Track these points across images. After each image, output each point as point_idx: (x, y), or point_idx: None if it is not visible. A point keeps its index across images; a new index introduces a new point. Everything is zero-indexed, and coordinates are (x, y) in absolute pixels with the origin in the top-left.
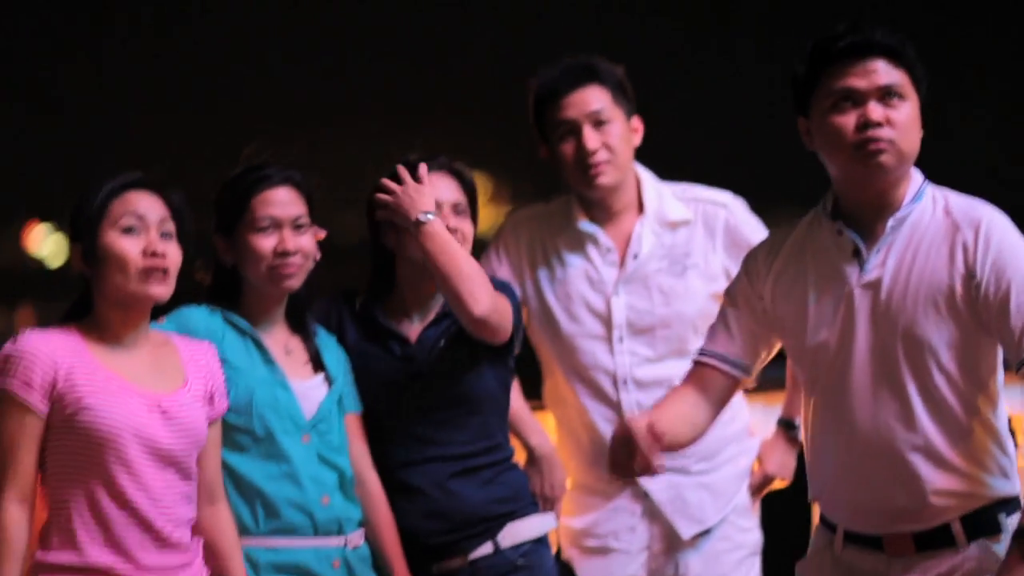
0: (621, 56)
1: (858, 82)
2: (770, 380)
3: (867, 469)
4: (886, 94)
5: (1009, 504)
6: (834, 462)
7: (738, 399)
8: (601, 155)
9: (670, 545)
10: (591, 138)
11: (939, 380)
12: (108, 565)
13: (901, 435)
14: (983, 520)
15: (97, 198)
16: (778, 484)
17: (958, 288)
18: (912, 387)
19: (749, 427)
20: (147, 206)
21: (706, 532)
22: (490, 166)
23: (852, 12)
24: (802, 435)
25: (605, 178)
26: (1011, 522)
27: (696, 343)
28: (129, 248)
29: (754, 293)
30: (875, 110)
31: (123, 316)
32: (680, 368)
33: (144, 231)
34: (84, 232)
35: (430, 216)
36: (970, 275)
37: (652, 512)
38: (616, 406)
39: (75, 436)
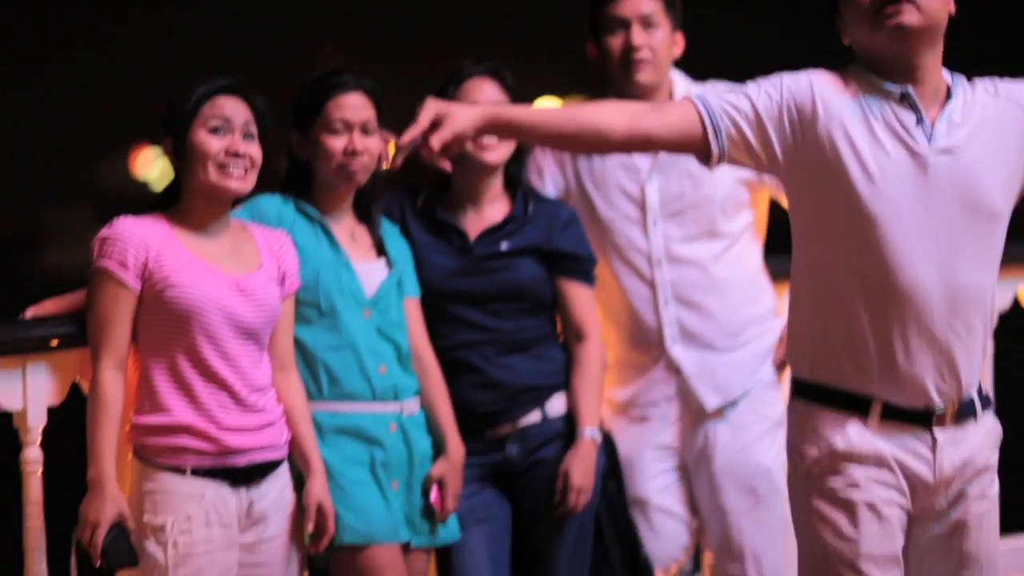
0: None
1: None
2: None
3: (931, 336)
4: None
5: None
6: (886, 333)
7: (765, 281)
8: (644, 53)
9: (700, 415)
10: (638, 35)
11: (998, 249)
12: (191, 423)
13: (971, 301)
14: (982, 391)
15: (191, 99)
16: None
17: (1018, 158)
18: (981, 255)
19: (775, 308)
20: (233, 109)
21: (732, 404)
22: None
23: None
24: (813, 312)
25: (644, 75)
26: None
27: (724, 225)
28: (214, 145)
29: (810, 114)
30: None
31: (206, 206)
32: (710, 248)
33: (229, 132)
34: (176, 129)
35: None
36: None
37: (682, 385)
38: (651, 284)
39: (163, 311)
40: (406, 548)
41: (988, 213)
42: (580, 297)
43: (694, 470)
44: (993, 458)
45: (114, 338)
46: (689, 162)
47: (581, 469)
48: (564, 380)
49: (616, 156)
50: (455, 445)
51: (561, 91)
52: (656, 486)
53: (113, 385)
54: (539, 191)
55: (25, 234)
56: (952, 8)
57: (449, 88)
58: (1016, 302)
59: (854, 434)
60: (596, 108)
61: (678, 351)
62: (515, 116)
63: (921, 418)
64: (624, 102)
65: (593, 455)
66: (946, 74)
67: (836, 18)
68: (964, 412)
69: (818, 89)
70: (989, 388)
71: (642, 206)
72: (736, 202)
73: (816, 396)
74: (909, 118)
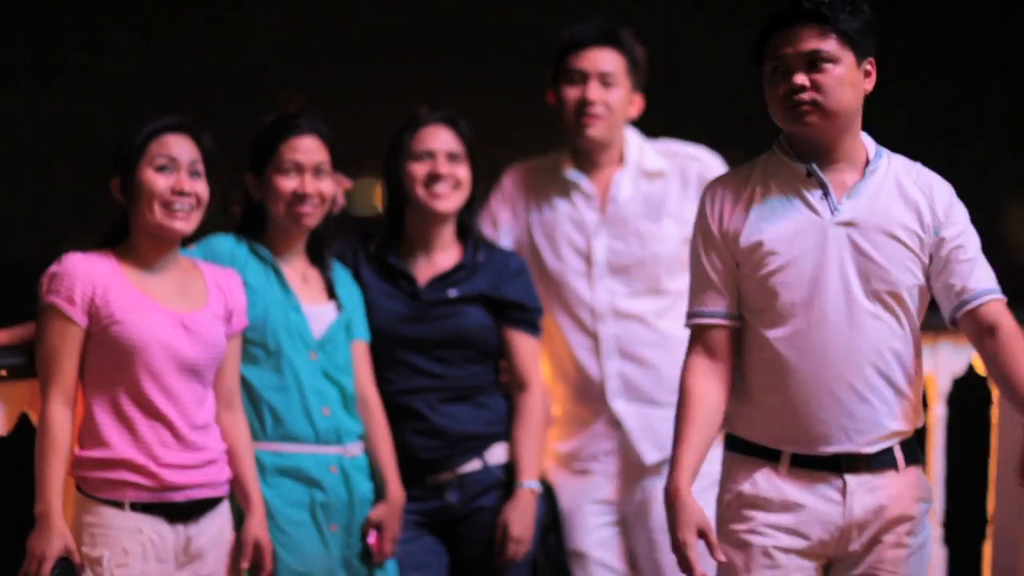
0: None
1: (788, 50)
2: None
3: (835, 392)
4: (813, 60)
5: (915, 439)
6: (795, 390)
7: None
8: (598, 108)
9: (640, 470)
10: (595, 90)
11: (899, 314)
12: (131, 458)
13: (870, 361)
14: (912, 448)
15: (138, 138)
16: None
17: (921, 235)
18: (880, 319)
19: None
20: (179, 148)
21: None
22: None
23: None
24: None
25: (595, 131)
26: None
27: (668, 282)
28: (160, 183)
29: (718, 236)
30: (800, 76)
31: (153, 244)
32: (655, 304)
33: (175, 170)
34: (125, 167)
35: None
36: (932, 226)
37: (623, 440)
38: (595, 337)
39: (108, 347)
40: None
41: (888, 283)
42: (525, 347)
43: (633, 525)
44: (914, 509)
45: (62, 373)
46: (637, 220)
47: (520, 520)
48: (506, 429)
49: (566, 209)
50: (395, 490)
51: (518, 138)
52: (595, 540)
53: (61, 420)
54: (493, 240)
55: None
56: (870, 86)
57: (404, 134)
58: (971, 367)
59: (762, 480)
60: None
61: (620, 405)
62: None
63: (831, 465)
64: None
65: (532, 506)
66: (870, 146)
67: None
68: (881, 462)
69: (712, 211)
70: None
71: (588, 260)
72: (682, 261)
73: (732, 446)
74: (815, 192)
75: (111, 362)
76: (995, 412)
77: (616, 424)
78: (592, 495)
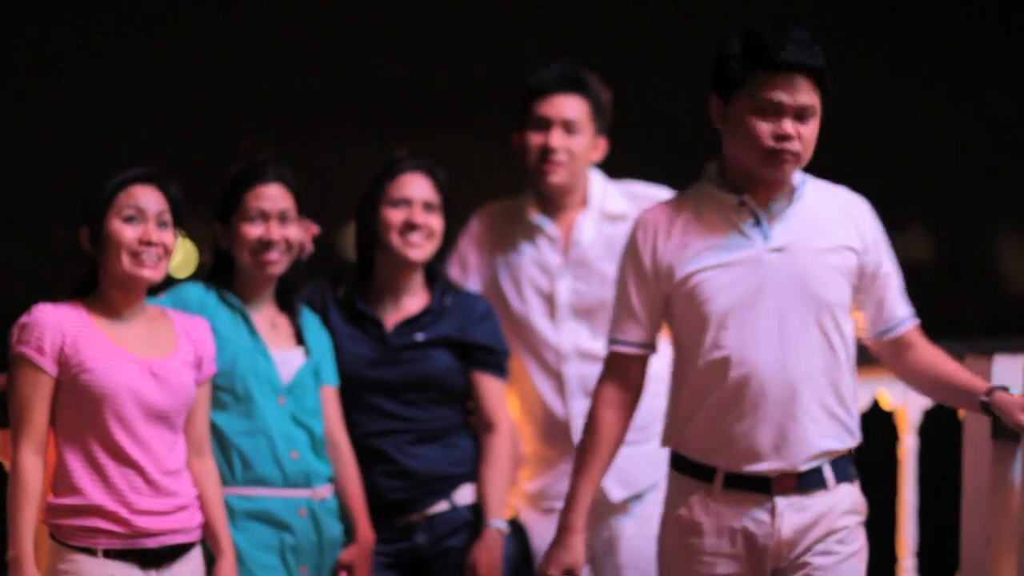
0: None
1: (784, 98)
2: None
3: (768, 412)
4: (801, 113)
5: (852, 457)
6: (729, 410)
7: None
8: (560, 156)
9: (607, 508)
10: (557, 137)
11: (832, 335)
12: (103, 505)
13: (802, 381)
14: (843, 466)
15: (106, 189)
16: None
17: (850, 257)
18: (812, 340)
19: None
20: (147, 199)
21: (638, 497)
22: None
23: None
24: (672, 394)
25: (556, 177)
26: (854, 470)
27: None
28: (128, 233)
29: (650, 267)
30: (788, 125)
31: (121, 293)
32: None
33: (143, 221)
34: (93, 218)
35: None
36: (860, 249)
37: None
38: (559, 377)
39: (78, 394)
40: None
41: (820, 303)
42: (492, 389)
43: (601, 561)
44: (845, 521)
45: (33, 422)
46: (599, 262)
47: (488, 560)
48: (473, 470)
49: (530, 252)
50: (365, 531)
51: (489, 180)
52: None
53: (32, 468)
54: (461, 284)
55: None
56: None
57: (383, 180)
58: (876, 402)
59: (697, 504)
60: None
61: None
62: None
63: (762, 486)
64: None
65: (499, 546)
66: (797, 176)
67: (712, 99)
68: (809, 482)
69: (643, 244)
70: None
71: (552, 302)
72: None
73: (674, 464)
74: (748, 221)
75: (81, 410)
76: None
77: None
78: None
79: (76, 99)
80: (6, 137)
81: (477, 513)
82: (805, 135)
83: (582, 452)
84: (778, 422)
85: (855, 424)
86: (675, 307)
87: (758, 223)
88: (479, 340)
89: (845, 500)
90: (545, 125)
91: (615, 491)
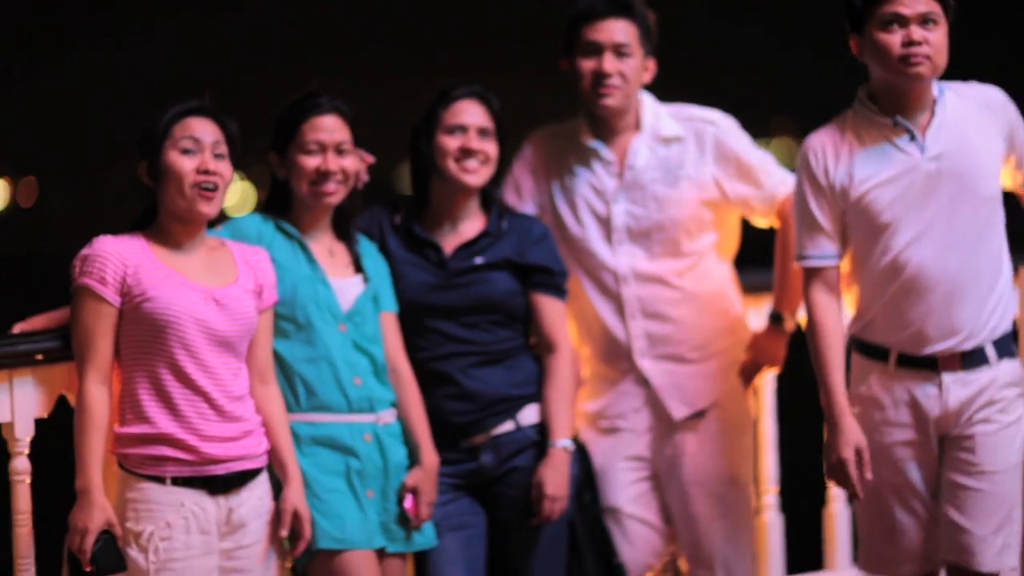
0: None
1: (904, 9)
2: (758, 284)
3: (934, 303)
4: (925, 20)
5: (1012, 335)
6: (900, 303)
7: (734, 293)
8: (614, 80)
9: (669, 425)
10: (609, 63)
11: (991, 228)
12: (171, 433)
13: (965, 273)
14: (1005, 344)
15: (162, 122)
16: (767, 370)
17: (997, 146)
18: (972, 235)
19: (743, 319)
20: (203, 130)
21: (700, 415)
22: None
23: None
24: (851, 287)
25: (611, 100)
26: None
27: (688, 245)
28: (185, 165)
29: (826, 186)
30: (916, 31)
31: (181, 225)
32: (674, 265)
33: (199, 152)
34: (150, 151)
35: None
36: (1005, 135)
37: (652, 397)
38: (618, 299)
39: (142, 324)
40: (382, 554)
41: (980, 197)
42: (551, 310)
43: (665, 479)
44: (1005, 392)
45: (97, 353)
46: (655, 185)
47: (554, 479)
48: (537, 391)
49: (585, 176)
50: (429, 455)
51: (541, 109)
52: (628, 495)
53: (98, 398)
54: (517, 208)
55: None
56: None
57: (436, 110)
58: None
59: (875, 381)
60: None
61: (646, 364)
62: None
63: (930, 364)
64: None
65: (566, 465)
66: (935, 87)
67: (852, 38)
68: (973, 360)
69: (816, 166)
70: None
71: (608, 226)
72: (700, 223)
73: (857, 348)
74: (903, 137)
75: (146, 339)
76: None
77: (643, 382)
78: (623, 452)
79: (133, 41)
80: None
81: (542, 433)
82: (932, 40)
83: (819, 356)
84: (944, 311)
85: (1013, 304)
86: (849, 220)
87: (912, 138)
88: (537, 261)
89: (1006, 373)
90: (596, 50)
91: (677, 410)
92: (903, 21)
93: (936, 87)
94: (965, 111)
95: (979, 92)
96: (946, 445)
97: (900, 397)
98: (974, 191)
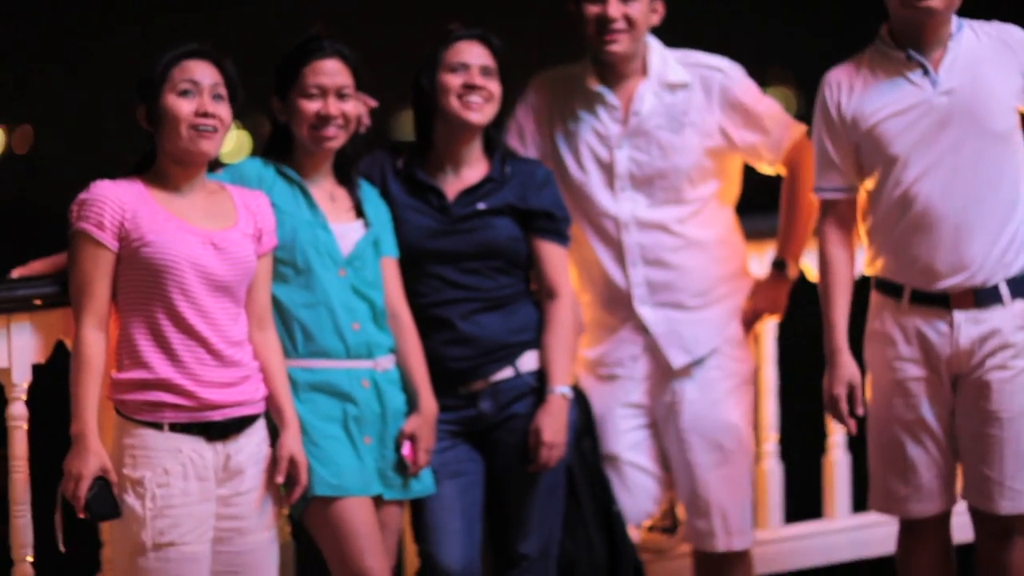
0: None
1: None
2: (760, 230)
3: (944, 238)
4: None
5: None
6: (911, 237)
7: (737, 240)
8: (619, 24)
9: (668, 373)
10: (614, 7)
11: (1004, 164)
12: (169, 378)
13: (976, 208)
14: (1019, 284)
15: (160, 65)
16: (768, 318)
17: (1013, 82)
18: (984, 171)
19: (746, 268)
20: (202, 72)
21: (699, 362)
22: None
23: None
24: (865, 223)
25: (618, 46)
26: None
27: (690, 193)
28: (183, 107)
29: (838, 120)
30: None
31: (180, 168)
32: (677, 212)
33: (198, 94)
34: (149, 94)
35: None
36: (1021, 71)
37: (651, 344)
38: (619, 246)
39: (140, 268)
40: (379, 501)
41: (992, 134)
42: (553, 256)
43: (663, 426)
44: (1019, 336)
45: (94, 297)
46: (659, 132)
47: (552, 426)
48: (536, 337)
49: (589, 121)
50: (428, 401)
51: (548, 53)
52: (627, 442)
53: (95, 343)
54: (520, 152)
55: None
56: None
57: (438, 50)
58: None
59: (888, 317)
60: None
61: (646, 311)
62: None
63: (942, 301)
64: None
65: (564, 412)
66: (954, 21)
67: None
68: (986, 298)
69: (831, 100)
70: None
71: (611, 172)
72: (703, 171)
73: (874, 284)
74: (916, 71)
75: (144, 284)
76: None
77: (642, 329)
78: (621, 399)
79: None
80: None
81: (541, 380)
82: None
83: (825, 289)
84: (955, 246)
85: None
86: (862, 154)
87: (926, 72)
88: (540, 206)
89: (1021, 315)
90: None
91: (676, 357)
92: None
93: (955, 23)
94: (982, 48)
95: (999, 29)
96: (961, 388)
97: (912, 333)
98: (986, 128)
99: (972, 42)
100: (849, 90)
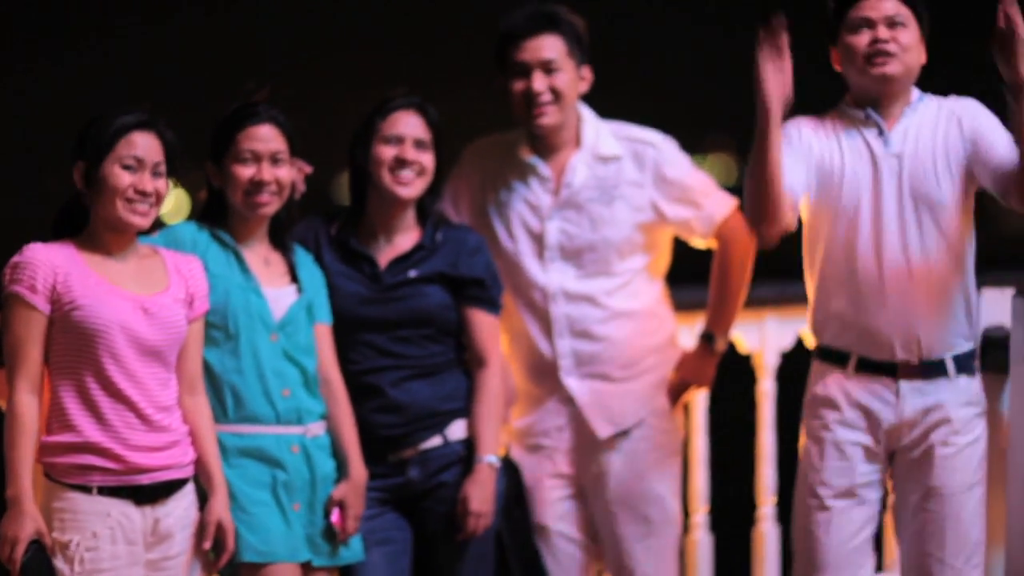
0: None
1: (871, 12)
2: (689, 302)
3: (889, 307)
4: (892, 22)
5: (973, 352)
6: (855, 303)
7: (665, 312)
8: (545, 97)
9: (594, 444)
10: (539, 81)
11: (949, 235)
12: (98, 442)
13: (922, 279)
14: (964, 360)
15: (108, 133)
16: (695, 390)
17: (960, 151)
18: (929, 240)
19: (673, 339)
20: (146, 148)
21: (626, 434)
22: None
23: None
24: (810, 288)
25: (546, 119)
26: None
27: (620, 265)
28: (123, 180)
29: (797, 138)
30: (882, 31)
31: (113, 234)
32: (604, 284)
33: (140, 170)
34: (90, 157)
35: None
36: (966, 138)
37: (577, 415)
38: (546, 317)
39: (71, 332)
40: (308, 568)
41: (934, 202)
42: (483, 324)
43: (591, 496)
44: (963, 412)
45: (27, 361)
46: (590, 204)
47: (479, 495)
48: (466, 406)
49: (521, 191)
50: (357, 468)
51: (482, 122)
52: (555, 513)
53: (28, 406)
54: (453, 220)
55: None
56: (924, 59)
57: (374, 120)
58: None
59: (832, 383)
60: None
61: (572, 382)
62: None
63: (888, 370)
64: None
65: (491, 481)
66: (914, 93)
67: (831, 52)
68: (931, 370)
69: (794, 128)
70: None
71: (541, 242)
72: (633, 244)
73: (816, 354)
74: (872, 130)
75: (75, 347)
76: None
77: (569, 400)
78: (549, 469)
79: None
80: None
81: (470, 448)
82: (901, 39)
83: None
84: (901, 315)
85: (975, 326)
86: (813, 181)
87: (880, 133)
88: (471, 274)
89: (964, 391)
90: (524, 70)
91: (601, 428)
92: (870, 24)
93: (916, 94)
94: (938, 120)
95: (958, 102)
96: (899, 461)
97: (856, 400)
98: (932, 198)
99: (930, 113)
100: (813, 132)
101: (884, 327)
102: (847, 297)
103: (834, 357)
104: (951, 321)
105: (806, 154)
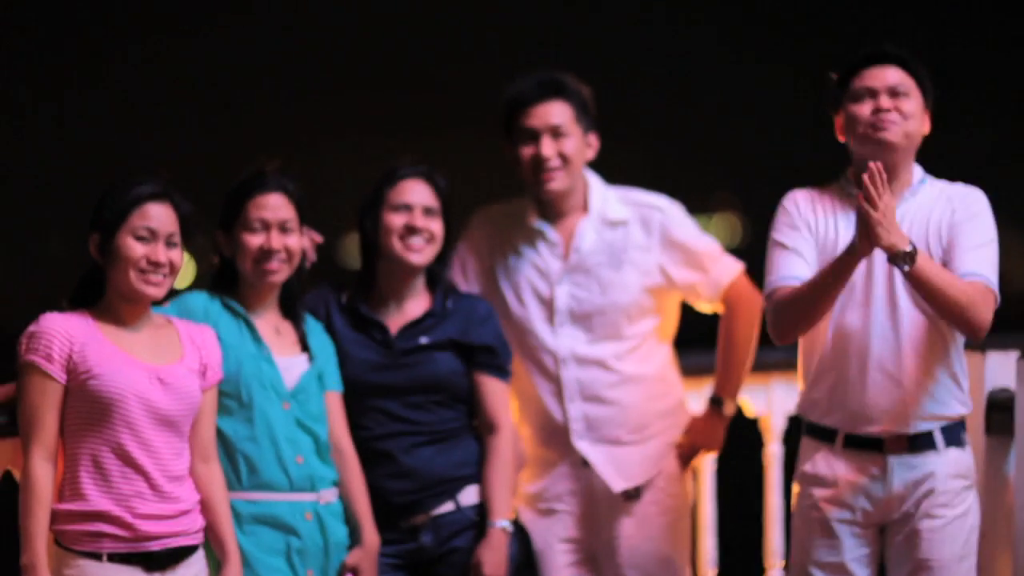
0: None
1: (873, 82)
2: (698, 366)
3: (878, 383)
4: (894, 92)
5: (962, 425)
6: (845, 380)
7: (674, 376)
8: (554, 163)
9: (606, 509)
10: (547, 147)
11: (931, 317)
12: (108, 510)
13: (912, 356)
14: (953, 432)
15: (122, 204)
16: (704, 454)
17: (946, 236)
18: (919, 321)
19: (682, 403)
20: (160, 220)
21: (636, 497)
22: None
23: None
24: (801, 365)
25: (554, 184)
26: (966, 437)
27: (629, 329)
28: (137, 251)
29: (802, 225)
30: (884, 100)
31: (128, 304)
32: (614, 348)
33: (154, 241)
34: (105, 229)
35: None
36: (954, 223)
37: (588, 479)
38: (557, 381)
39: (86, 401)
40: None
41: None
42: (494, 390)
43: (602, 561)
44: (951, 484)
45: (42, 429)
46: (599, 268)
47: (492, 560)
48: (477, 472)
49: (530, 256)
50: (370, 534)
51: (491, 189)
52: None
53: (43, 475)
54: (463, 286)
55: None
56: (927, 129)
57: (383, 189)
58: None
59: (820, 460)
60: None
61: (584, 446)
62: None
63: (876, 446)
64: None
65: (504, 546)
66: (918, 173)
67: (836, 122)
68: (919, 444)
69: (794, 210)
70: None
71: (551, 307)
72: (641, 308)
73: (805, 431)
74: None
75: (90, 416)
76: None
77: (581, 464)
78: (560, 534)
79: (75, 109)
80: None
81: (481, 514)
82: (903, 108)
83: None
84: (890, 391)
85: (964, 394)
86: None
87: None
88: (481, 341)
89: (953, 464)
90: (532, 136)
91: (616, 483)
92: (873, 93)
93: (919, 175)
94: (933, 205)
95: (959, 190)
96: (890, 535)
97: (844, 476)
98: None
99: (930, 197)
100: (811, 208)
101: (870, 405)
102: (835, 377)
103: (822, 434)
104: (939, 392)
105: (812, 238)
